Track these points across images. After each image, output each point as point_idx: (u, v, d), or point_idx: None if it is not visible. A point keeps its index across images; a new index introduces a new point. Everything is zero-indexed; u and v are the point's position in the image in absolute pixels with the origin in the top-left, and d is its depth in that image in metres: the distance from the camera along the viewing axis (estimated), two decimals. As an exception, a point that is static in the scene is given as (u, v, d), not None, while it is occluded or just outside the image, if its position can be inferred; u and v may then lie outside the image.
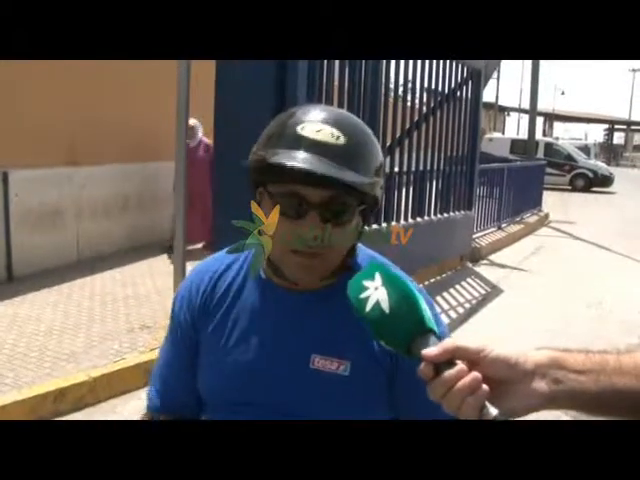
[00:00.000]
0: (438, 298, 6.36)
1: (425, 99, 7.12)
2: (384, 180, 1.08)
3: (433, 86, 7.02)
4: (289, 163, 0.96)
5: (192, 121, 7.10)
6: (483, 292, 6.88)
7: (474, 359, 0.75)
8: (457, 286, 6.95)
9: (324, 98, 5.15)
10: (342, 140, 0.98)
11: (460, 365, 0.73)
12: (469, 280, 7.30)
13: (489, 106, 36.02)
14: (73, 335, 4.54)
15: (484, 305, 6.32)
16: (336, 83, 5.47)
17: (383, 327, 0.77)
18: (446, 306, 6.18)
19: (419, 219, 6.94)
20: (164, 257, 6.92)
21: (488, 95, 47.68)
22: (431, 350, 0.74)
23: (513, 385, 0.75)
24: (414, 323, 0.76)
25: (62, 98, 6.22)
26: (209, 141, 6.97)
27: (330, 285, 1.07)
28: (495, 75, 32.12)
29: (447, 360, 0.73)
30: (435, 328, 0.77)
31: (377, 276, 0.79)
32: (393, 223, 6.42)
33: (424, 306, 0.78)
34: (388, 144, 6.38)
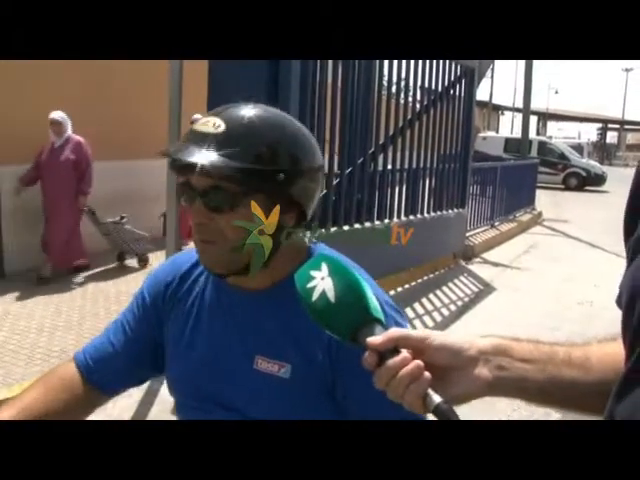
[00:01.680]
0: (431, 296, 6.38)
1: (418, 97, 7.13)
2: (306, 177, 1.02)
3: (426, 84, 7.03)
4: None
5: (58, 114, 5.79)
6: (476, 290, 6.90)
7: (419, 347, 0.75)
8: (450, 284, 6.97)
9: (317, 97, 5.14)
10: (221, 128, 0.97)
11: (404, 353, 0.74)
12: (462, 278, 7.33)
13: (483, 105, 36.15)
14: (64, 332, 4.53)
15: (477, 303, 6.34)
16: (329, 82, 5.46)
17: (329, 316, 0.77)
18: (439, 304, 6.20)
19: (412, 217, 6.95)
20: (162, 252, 6.81)
21: (482, 94, 47.88)
22: (375, 339, 0.74)
23: (457, 372, 0.76)
24: (360, 312, 0.77)
25: (51, 97, 6.19)
26: (80, 138, 5.89)
27: (279, 285, 1.06)
28: (489, 74, 32.22)
29: (392, 348, 0.74)
30: (382, 317, 0.78)
31: (324, 266, 0.80)
32: (386, 221, 6.43)
33: (370, 295, 0.79)
34: (381, 142, 6.39)
